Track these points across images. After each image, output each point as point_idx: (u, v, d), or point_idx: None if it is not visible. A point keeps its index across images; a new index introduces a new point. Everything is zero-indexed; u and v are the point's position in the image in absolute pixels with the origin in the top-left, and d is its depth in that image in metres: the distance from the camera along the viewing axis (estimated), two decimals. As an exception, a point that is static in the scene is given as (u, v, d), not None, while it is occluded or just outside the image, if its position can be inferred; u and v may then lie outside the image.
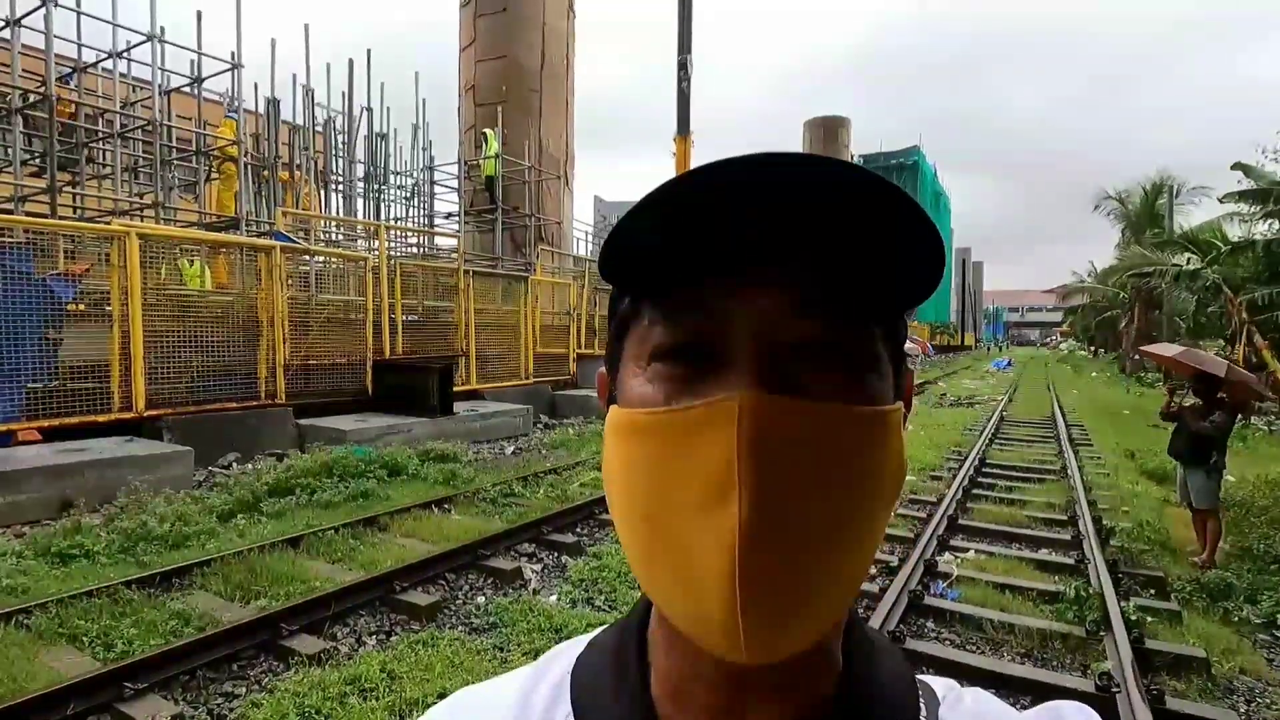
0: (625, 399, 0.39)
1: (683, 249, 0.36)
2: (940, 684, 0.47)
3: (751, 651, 0.33)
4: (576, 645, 0.48)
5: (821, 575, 0.35)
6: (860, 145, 56.97)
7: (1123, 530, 6.07)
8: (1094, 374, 32.01)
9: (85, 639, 3.74)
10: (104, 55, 11.99)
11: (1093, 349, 51.24)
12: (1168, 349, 5.78)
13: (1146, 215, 29.64)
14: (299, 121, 14.76)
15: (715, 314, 0.36)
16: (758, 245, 0.36)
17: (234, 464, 8.06)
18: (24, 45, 11.03)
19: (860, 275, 0.36)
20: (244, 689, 3.44)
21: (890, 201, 0.33)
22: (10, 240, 7.20)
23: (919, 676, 0.46)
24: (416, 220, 18.50)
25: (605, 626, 0.48)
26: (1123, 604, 4.31)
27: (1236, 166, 16.02)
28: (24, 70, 11.22)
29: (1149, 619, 4.22)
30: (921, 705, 0.43)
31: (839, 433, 0.35)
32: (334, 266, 12.25)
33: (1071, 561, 5.39)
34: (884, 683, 0.43)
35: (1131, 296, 28.07)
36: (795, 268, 0.36)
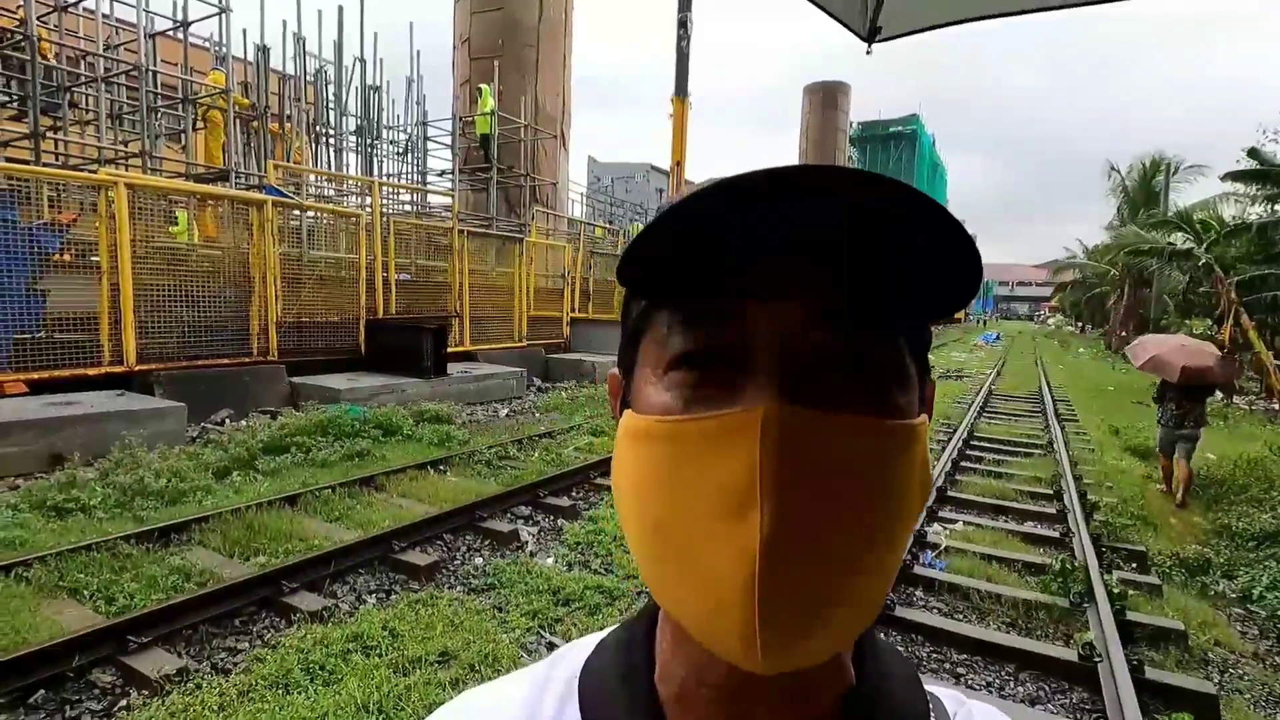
0: (640, 405, 0.39)
1: (705, 259, 0.35)
2: (949, 697, 0.47)
3: (768, 663, 0.33)
4: (583, 647, 0.48)
5: (842, 592, 0.34)
6: (859, 113, 56.33)
7: (1106, 505, 6.22)
8: (1081, 350, 32.34)
9: (86, 593, 3.76)
10: (86, -6, 11.53)
11: (1080, 325, 51.67)
12: (1138, 354, 6.93)
13: (1143, 192, 29.67)
14: (290, 71, 14.33)
15: (737, 323, 0.36)
16: (781, 255, 0.35)
17: (227, 420, 8.02)
18: (1, -19, 10.58)
19: (886, 285, 0.35)
20: (247, 644, 3.48)
21: (919, 211, 0.32)
22: (-7, 187, 7.01)
23: (928, 687, 0.46)
24: (409, 177, 18.15)
25: (613, 628, 0.48)
26: (1106, 577, 4.43)
27: (1252, 154, 15.94)
28: (1, 8, 10.78)
29: (1131, 592, 4.34)
30: (932, 718, 0.43)
31: (863, 447, 0.34)
32: (326, 222, 12.04)
33: (1057, 535, 5.52)
34: (895, 695, 0.43)
35: (1121, 274, 28.22)
36: (819, 278, 0.35)
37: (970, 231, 0.34)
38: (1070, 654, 3.57)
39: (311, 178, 14.39)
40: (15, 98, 11.50)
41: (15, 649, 3.05)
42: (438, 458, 6.83)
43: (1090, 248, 40.08)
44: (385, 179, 17.21)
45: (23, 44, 9.48)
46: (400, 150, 18.28)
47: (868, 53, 1.13)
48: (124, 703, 2.95)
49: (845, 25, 1.12)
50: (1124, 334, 26.62)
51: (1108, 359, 25.79)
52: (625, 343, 0.42)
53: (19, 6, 9.72)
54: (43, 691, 2.96)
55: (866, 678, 0.42)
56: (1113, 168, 32.15)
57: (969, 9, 1.14)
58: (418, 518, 5.01)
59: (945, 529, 5.58)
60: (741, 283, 0.35)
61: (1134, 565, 5.05)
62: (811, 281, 0.35)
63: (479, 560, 4.69)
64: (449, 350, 10.92)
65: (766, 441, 0.33)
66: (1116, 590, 4.25)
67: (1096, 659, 3.48)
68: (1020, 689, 3.39)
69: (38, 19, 9.75)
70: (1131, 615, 3.99)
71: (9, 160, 9.56)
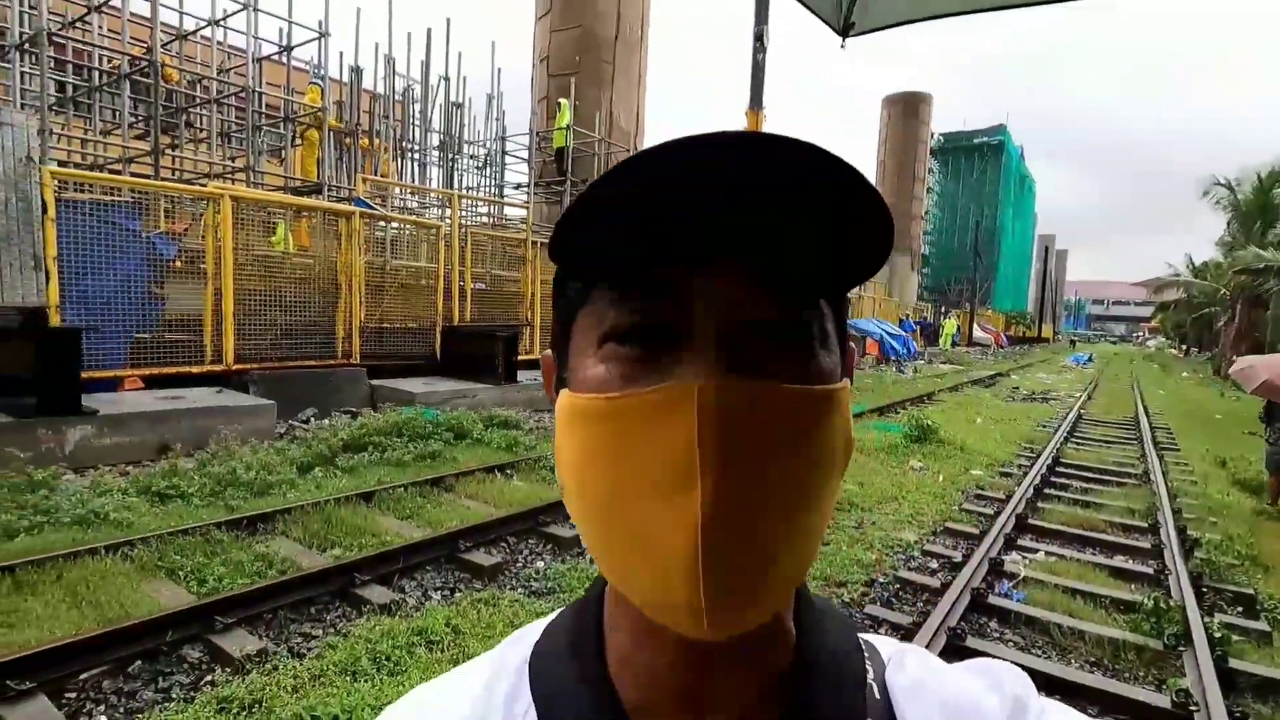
0: (577, 383, 0.39)
1: (638, 232, 0.35)
2: (884, 644, 0.48)
3: (714, 628, 0.34)
4: (533, 631, 0.48)
5: (780, 551, 0.35)
6: (941, 124, 54.47)
7: (1209, 542, 5.73)
8: (1184, 374, 30.01)
9: (181, 573, 4.05)
10: (204, 23, 12.57)
11: (1184, 348, 48.03)
12: (1250, 377, 6.74)
13: (1258, 205, 27.29)
14: (380, 90, 15.13)
15: (672, 295, 0.36)
16: (713, 226, 0.35)
17: (311, 419, 8.48)
18: (131, 13, 11.67)
19: (812, 254, 0.36)
20: (320, 631, 3.66)
21: (843, 178, 0.33)
22: (119, 199, 7.72)
23: (864, 636, 0.47)
24: (487, 190, 18.79)
25: (561, 610, 0.48)
26: (1206, 619, 4.09)
27: None
28: (131, 37, 11.89)
29: (1235, 637, 3.99)
30: (868, 667, 0.44)
31: (796, 413, 0.35)
32: (408, 233, 12.61)
33: (1150, 571, 5.13)
34: (833, 649, 0.44)
35: (1233, 294, 26.05)
36: (751, 246, 0.35)
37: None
38: (1163, 700, 3.30)
39: (396, 190, 15.11)
40: (140, 119, 12.65)
41: (119, 621, 3.32)
42: (505, 462, 7.00)
43: (1198, 265, 37.17)
44: (464, 191, 17.88)
45: (148, 70, 10.42)
46: (479, 164, 18.96)
47: (842, 46, 1.13)
48: (209, 678, 3.15)
49: (819, 16, 1.11)
50: (1234, 359, 24.54)
51: (1215, 384, 23.83)
52: (558, 323, 0.42)
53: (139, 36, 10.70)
54: (139, 662, 3.20)
55: (807, 633, 0.43)
56: (1216, 181, 29.41)
57: (940, 5, 1.12)
58: (483, 519, 5.14)
59: (1025, 559, 5.28)
60: (674, 253, 0.35)
61: (1239, 609, 4.63)
62: (744, 250, 0.35)
63: (540, 564, 4.77)
64: (520, 357, 11.20)
65: (704, 415, 0.33)
66: (1218, 634, 3.91)
67: (1193, 708, 3.20)
68: (1104, 734, 3.16)
69: (161, 46, 10.70)
70: (1234, 663, 3.65)
71: (133, 175, 10.49)
